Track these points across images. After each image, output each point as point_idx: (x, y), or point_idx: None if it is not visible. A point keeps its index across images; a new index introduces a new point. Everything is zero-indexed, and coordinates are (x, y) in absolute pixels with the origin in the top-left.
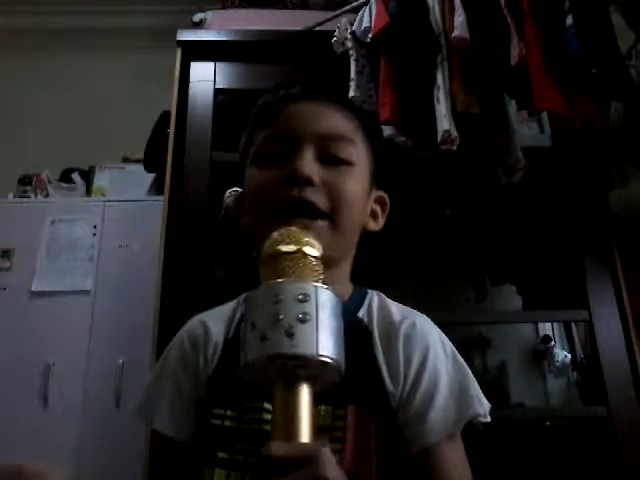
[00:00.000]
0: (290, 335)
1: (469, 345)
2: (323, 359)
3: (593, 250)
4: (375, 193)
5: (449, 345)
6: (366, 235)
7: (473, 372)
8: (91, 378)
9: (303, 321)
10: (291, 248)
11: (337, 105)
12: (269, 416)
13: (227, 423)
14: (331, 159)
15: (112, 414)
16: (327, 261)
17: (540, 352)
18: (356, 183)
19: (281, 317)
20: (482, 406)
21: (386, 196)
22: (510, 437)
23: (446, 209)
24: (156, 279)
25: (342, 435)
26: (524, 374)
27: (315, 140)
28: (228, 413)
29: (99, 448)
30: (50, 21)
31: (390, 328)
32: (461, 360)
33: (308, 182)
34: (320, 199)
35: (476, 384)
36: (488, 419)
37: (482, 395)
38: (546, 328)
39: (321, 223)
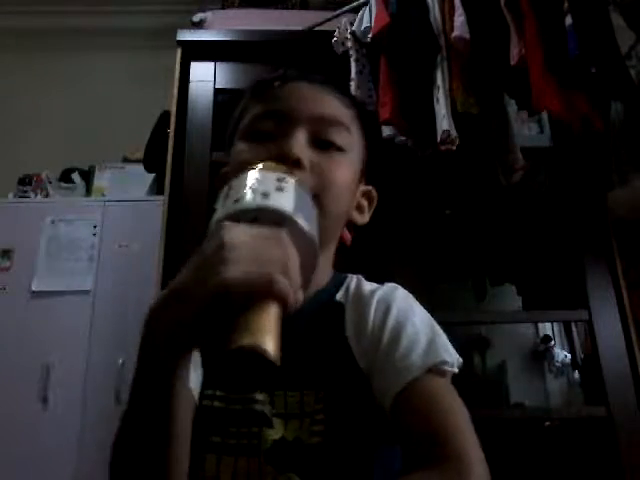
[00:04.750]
0: (265, 195)
1: (469, 345)
2: (297, 220)
3: (593, 250)
4: (363, 186)
5: (418, 305)
6: (365, 236)
7: (473, 372)
8: (91, 378)
9: (280, 190)
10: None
11: (335, 91)
12: (260, 396)
13: (216, 404)
14: (323, 144)
15: (112, 414)
16: None
17: (540, 352)
18: (346, 171)
19: (257, 186)
20: (449, 355)
21: (374, 191)
22: (510, 437)
23: (446, 209)
24: (156, 279)
25: (324, 417)
26: (524, 374)
27: (309, 122)
28: (217, 393)
29: (99, 449)
30: (50, 21)
31: (362, 301)
32: (430, 318)
33: (297, 164)
34: (307, 183)
35: (445, 338)
36: (456, 370)
37: (451, 347)
38: (546, 328)
39: None
